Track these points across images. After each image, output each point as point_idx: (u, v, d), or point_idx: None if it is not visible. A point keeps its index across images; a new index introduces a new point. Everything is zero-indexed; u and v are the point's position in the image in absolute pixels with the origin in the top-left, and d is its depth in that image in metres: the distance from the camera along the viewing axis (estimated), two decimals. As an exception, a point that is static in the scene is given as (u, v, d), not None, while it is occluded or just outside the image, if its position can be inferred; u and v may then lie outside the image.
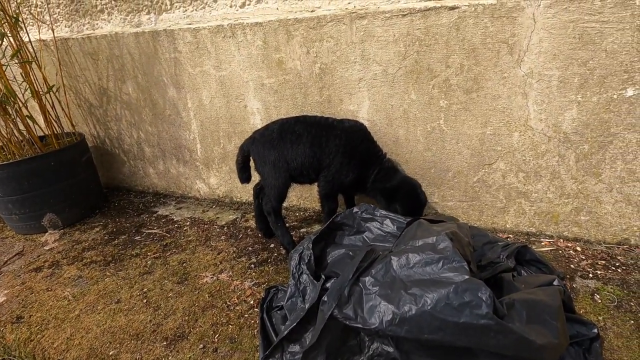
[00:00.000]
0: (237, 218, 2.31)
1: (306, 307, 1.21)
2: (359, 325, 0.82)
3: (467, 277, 0.80)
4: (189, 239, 2.13)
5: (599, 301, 1.38)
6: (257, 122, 2.15)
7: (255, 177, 1.88)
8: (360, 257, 1.01)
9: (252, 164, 1.84)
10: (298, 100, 1.99)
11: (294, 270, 1.40)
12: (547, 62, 1.49)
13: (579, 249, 1.68)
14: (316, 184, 1.79)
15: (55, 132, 2.46)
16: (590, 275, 1.52)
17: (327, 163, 1.69)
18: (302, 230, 2.10)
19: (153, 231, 2.26)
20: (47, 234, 2.35)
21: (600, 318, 1.31)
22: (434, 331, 0.76)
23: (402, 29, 1.65)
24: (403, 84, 1.74)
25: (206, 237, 2.13)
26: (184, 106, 2.32)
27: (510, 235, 1.82)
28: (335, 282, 0.99)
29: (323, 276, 1.28)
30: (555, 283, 1.09)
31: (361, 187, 1.75)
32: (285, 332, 1.16)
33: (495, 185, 1.76)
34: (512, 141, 1.66)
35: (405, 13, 1.61)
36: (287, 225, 2.13)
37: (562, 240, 1.74)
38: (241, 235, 2.11)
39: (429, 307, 0.77)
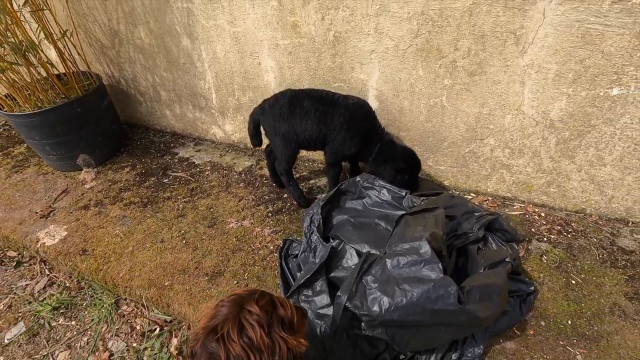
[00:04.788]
0: (252, 165, 2.58)
1: (317, 262, 1.59)
2: (365, 312, 1.17)
3: (441, 275, 1.13)
4: (212, 184, 2.44)
5: (545, 261, 1.77)
6: (271, 79, 2.25)
7: (266, 140, 2.09)
8: (362, 260, 1.33)
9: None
10: (311, 63, 2.08)
11: (306, 230, 1.74)
12: (548, 56, 1.59)
13: (543, 214, 2.01)
14: (323, 152, 2.01)
15: (72, 71, 2.54)
16: (545, 239, 1.88)
17: (332, 137, 1.89)
18: (311, 181, 2.40)
19: (178, 174, 2.55)
20: (82, 171, 2.64)
21: (541, 275, 1.71)
22: (417, 315, 1.11)
23: (417, 8, 1.68)
24: (412, 60, 1.84)
25: (227, 183, 2.44)
26: (198, 57, 2.38)
27: (490, 198, 2.13)
28: (345, 281, 1.31)
29: (331, 239, 1.63)
30: (507, 260, 1.44)
31: (363, 157, 1.98)
32: (302, 280, 1.54)
33: (484, 157, 2.00)
34: (504, 122, 1.84)
35: (422, -8, 1.63)
36: (297, 175, 2.43)
37: (531, 205, 2.06)
38: (258, 183, 2.41)
39: (415, 299, 1.11)
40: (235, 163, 2.62)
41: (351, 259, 1.60)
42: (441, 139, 2.04)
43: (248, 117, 2.03)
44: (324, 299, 1.49)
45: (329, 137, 1.90)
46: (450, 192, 2.02)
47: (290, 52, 2.09)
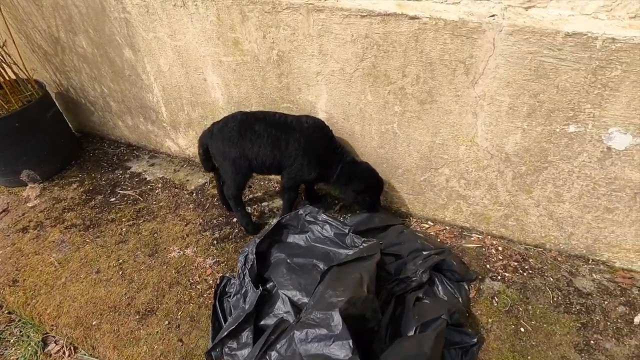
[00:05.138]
0: (205, 183, 2.44)
1: (246, 309, 1.47)
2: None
3: (349, 355, 1.02)
4: (160, 204, 2.31)
5: (496, 304, 1.66)
6: (218, 96, 2.10)
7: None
8: (270, 330, 1.22)
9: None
10: (257, 82, 1.93)
11: (240, 271, 1.62)
12: (500, 88, 1.44)
13: (500, 248, 1.89)
14: (280, 176, 1.87)
15: (10, 80, 2.36)
16: (499, 277, 1.76)
17: (288, 163, 1.75)
18: (263, 203, 2.27)
19: (127, 192, 2.41)
20: (27, 187, 2.50)
21: (490, 320, 1.60)
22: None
23: (360, 31, 1.52)
24: (360, 84, 1.69)
25: (176, 203, 2.31)
26: (142, 69, 2.21)
27: (447, 227, 2.01)
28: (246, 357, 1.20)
29: (261, 287, 1.51)
30: (442, 317, 1.32)
31: (325, 179, 1.85)
32: (226, 332, 1.43)
33: (439, 186, 1.87)
34: (458, 153, 1.71)
35: (365, 14, 1.47)
36: (251, 195, 2.30)
37: (489, 237, 1.94)
38: (208, 204, 2.28)
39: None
40: (188, 180, 2.48)
41: (284, 306, 1.49)
42: (395, 166, 1.91)
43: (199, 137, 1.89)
44: (248, 353, 1.38)
45: (285, 163, 1.76)
46: (400, 224, 1.90)
47: (235, 69, 1.93)
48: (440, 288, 1.61)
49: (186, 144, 2.52)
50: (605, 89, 1.30)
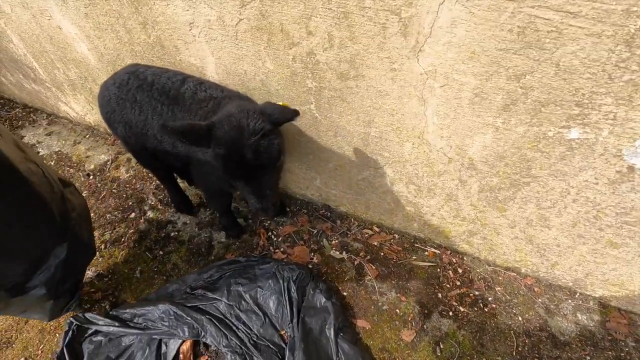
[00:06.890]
0: (108, 161, 1.95)
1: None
2: None
3: None
4: (48, 190, 1.85)
5: (439, 354, 1.25)
6: (85, 51, 1.50)
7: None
8: None
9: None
10: (122, 35, 1.31)
11: None
12: (459, 60, 0.84)
13: (460, 270, 1.43)
14: None
15: None
16: (451, 312, 1.33)
17: (182, 160, 1.20)
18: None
19: (12, 172, 1.94)
20: None
21: (427, 379, 1.21)
22: None
23: (226, -49, 0.87)
24: (252, 44, 1.08)
25: (67, 190, 1.84)
26: (-15, 9, 1.58)
27: (396, 236, 1.53)
28: None
29: None
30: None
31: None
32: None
33: (382, 188, 1.35)
34: (402, 151, 1.15)
35: None
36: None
37: (449, 252, 1.47)
38: (105, 192, 1.81)
39: None
40: (88, 157, 1.98)
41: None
42: (324, 159, 1.37)
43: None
44: None
45: (179, 158, 1.20)
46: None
47: (87, 14, 1.30)
48: None
49: (82, 109, 1.97)
50: (645, 74, 0.70)
